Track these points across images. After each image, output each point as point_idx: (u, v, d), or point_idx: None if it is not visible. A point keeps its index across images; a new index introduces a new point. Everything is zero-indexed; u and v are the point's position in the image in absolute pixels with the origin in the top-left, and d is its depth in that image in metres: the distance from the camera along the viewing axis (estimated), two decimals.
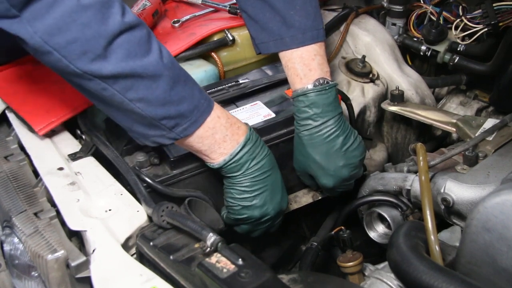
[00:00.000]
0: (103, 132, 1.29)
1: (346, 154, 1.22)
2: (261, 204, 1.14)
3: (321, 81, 1.19)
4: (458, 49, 1.64)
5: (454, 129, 1.43)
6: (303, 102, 1.19)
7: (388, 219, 1.25)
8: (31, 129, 1.26)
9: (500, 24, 1.55)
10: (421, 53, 1.69)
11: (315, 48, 1.21)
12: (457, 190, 1.14)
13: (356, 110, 1.48)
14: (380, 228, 1.32)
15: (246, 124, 1.13)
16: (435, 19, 1.66)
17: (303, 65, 1.20)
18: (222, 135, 1.07)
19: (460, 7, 1.65)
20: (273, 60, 1.51)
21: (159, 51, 0.98)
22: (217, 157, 1.09)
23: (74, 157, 1.21)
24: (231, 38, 1.51)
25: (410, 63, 1.77)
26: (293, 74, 1.21)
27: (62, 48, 0.90)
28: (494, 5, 1.55)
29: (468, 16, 1.62)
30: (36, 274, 1.02)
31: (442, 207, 1.16)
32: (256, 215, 1.15)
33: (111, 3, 0.92)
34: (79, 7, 0.89)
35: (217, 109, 1.07)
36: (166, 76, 0.98)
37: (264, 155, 1.12)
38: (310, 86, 1.19)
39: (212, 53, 1.51)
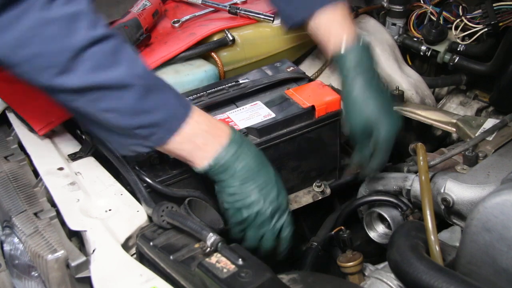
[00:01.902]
0: None
1: (392, 102, 1.26)
2: (254, 201, 1.08)
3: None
4: (458, 49, 1.64)
5: (454, 129, 1.43)
6: (359, 55, 1.20)
7: (388, 219, 1.25)
8: (31, 129, 1.26)
9: (500, 24, 1.55)
10: (421, 53, 1.69)
11: (345, 8, 1.25)
12: (457, 190, 1.13)
13: None
14: (380, 228, 1.32)
15: (230, 126, 1.11)
16: (435, 19, 1.66)
17: (346, 21, 1.23)
18: (203, 139, 1.05)
19: (460, 7, 1.65)
20: (273, 60, 1.51)
21: (130, 61, 0.96)
22: (200, 161, 1.07)
23: (74, 157, 1.22)
24: (231, 38, 1.51)
25: (410, 63, 1.77)
26: (339, 31, 1.21)
27: (26, 62, 0.90)
28: (494, 5, 1.55)
29: (468, 16, 1.61)
30: (36, 274, 1.02)
31: (442, 207, 1.16)
32: (253, 212, 1.09)
33: (79, 16, 0.91)
34: (43, 21, 0.88)
35: (195, 115, 1.04)
36: (138, 86, 0.96)
37: (252, 155, 1.09)
38: (363, 38, 1.22)
39: (212, 53, 1.51)
